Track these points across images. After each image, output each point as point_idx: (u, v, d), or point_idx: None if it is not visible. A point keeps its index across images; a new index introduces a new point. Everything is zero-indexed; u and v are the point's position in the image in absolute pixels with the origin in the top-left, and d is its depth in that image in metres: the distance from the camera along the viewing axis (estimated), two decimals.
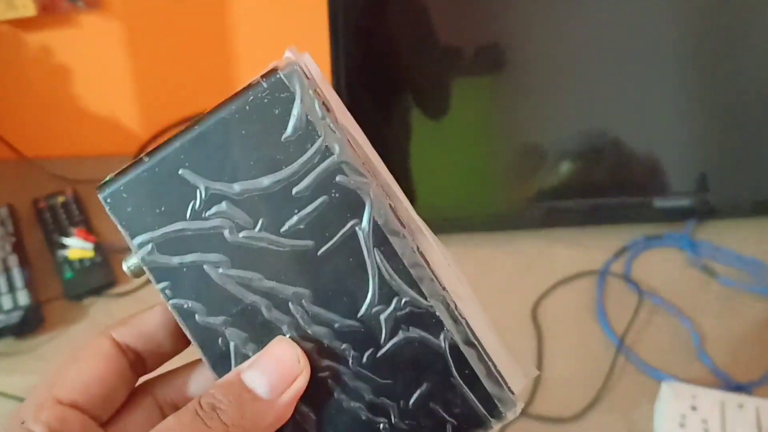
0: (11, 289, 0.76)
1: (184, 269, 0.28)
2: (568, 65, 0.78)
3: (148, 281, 0.29)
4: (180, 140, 0.28)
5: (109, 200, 0.28)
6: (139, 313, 0.30)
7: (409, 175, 0.82)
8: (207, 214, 0.28)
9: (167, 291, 0.28)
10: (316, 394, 0.27)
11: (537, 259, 0.84)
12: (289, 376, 0.27)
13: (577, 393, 0.72)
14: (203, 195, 0.28)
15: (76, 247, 0.81)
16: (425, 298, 0.27)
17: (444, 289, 0.27)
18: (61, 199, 0.88)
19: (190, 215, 0.28)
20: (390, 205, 0.27)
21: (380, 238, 0.27)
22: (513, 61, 0.78)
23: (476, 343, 0.27)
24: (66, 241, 0.81)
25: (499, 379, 0.27)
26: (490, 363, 0.27)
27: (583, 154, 0.84)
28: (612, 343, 0.75)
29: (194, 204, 0.28)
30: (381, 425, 0.27)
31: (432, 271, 0.27)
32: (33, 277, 0.79)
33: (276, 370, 0.27)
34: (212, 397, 0.26)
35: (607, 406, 0.71)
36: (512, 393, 0.27)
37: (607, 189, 0.86)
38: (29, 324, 0.74)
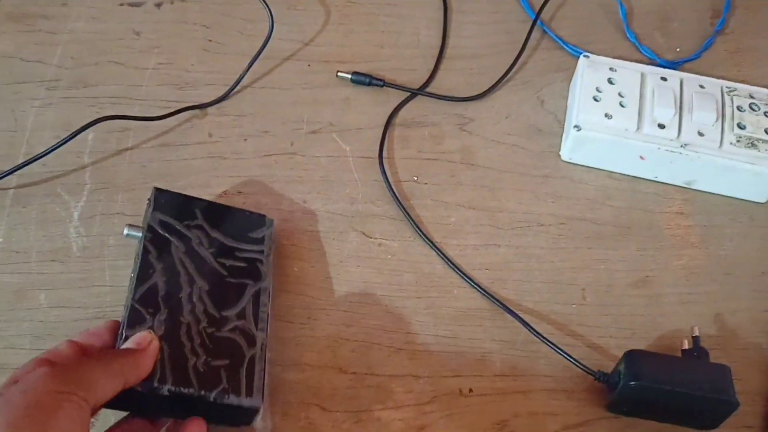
0: None
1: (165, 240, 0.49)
2: None
3: None
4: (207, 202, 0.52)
5: (153, 197, 0.50)
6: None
7: None
8: (191, 229, 0.50)
9: (146, 236, 0.48)
10: (172, 337, 0.44)
11: None
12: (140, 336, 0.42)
13: (485, 70, 0.64)
14: (198, 220, 0.50)
15: None
16: (257, 329, 0.47)
17: (265, 330, 0.48)
18: None
19: (184, 226, 0.50)
20: (269, 290, 0.50)
21: (257, 295, 0.49)
22: None
23: (263, 358, 0.46)
24: None
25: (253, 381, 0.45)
26: (261, 371, 0.46)
27: None
28: (528, 17, 0.66)
29: (189, 222, 0.50)
30: (190, 365, 0.43)
31: (268, 323, 0.48)
32: None
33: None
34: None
35: (518, 83, 0.63)
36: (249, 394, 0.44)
37: None
38: None
